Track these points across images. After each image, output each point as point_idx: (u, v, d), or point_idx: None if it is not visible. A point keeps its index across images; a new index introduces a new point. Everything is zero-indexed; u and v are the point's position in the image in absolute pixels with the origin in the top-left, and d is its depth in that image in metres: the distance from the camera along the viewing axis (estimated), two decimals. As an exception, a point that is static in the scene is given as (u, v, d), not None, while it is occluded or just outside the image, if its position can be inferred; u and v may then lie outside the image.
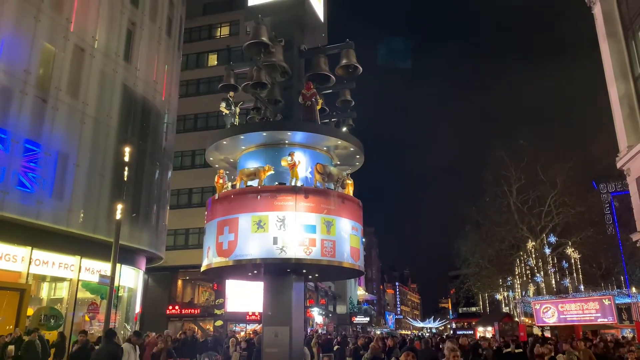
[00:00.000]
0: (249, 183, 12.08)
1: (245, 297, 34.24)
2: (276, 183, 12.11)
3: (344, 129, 13.73)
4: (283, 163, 12.03)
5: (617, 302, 26.00)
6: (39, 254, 17.95)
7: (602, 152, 28.88)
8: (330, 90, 14.69)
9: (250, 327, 31.86)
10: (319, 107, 13.34)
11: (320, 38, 15.23)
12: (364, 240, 14.02)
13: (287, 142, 12.71)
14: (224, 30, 44.46)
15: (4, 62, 16.38)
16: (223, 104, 13.22)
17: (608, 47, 17.44)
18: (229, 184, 12.88)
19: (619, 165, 17.12)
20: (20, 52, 17.03)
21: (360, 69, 13.88)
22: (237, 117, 13.42)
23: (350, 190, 13.06)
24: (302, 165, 12.30)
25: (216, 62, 42.94)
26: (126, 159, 16.92)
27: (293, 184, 11.83)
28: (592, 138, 33.24)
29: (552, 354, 13.08)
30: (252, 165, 12.59)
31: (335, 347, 19.18)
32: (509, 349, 14.16)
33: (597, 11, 18.21)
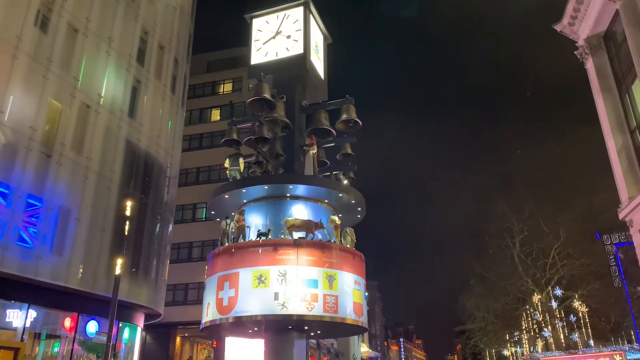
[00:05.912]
0: (295, 235, 11.90)
1: (245, 355, 33.15)
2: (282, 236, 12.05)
3: (345, 182, 13.83)
4: (330, 224, 12.23)
5: (628, 357, 25.27)
6: (36, 311, 17.56)
7: (604, 203, 28.80)
8: (332, 144, 14.92)
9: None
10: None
11: (321, 93, 15.60)
12: (367, 294, 13.80)
13: (288, 195, 12.77)
14: (227, 87, 45.59)
15: (11, 119, 16.69)
16: (241, 158, 13.46)
17: (603, 101, 17.68)
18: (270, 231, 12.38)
19: (621, 216, 17.02)
20: (28, 109, 17.37)
21: (360, 123, 14.12)
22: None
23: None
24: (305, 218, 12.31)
25: (219, 118, 43.75)
26: (127, 213, 16.89)
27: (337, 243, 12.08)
28: (594, 189, 33.21)
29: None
30: (255, 218, 12.58)
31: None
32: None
33: (590, 66, 18.58)
